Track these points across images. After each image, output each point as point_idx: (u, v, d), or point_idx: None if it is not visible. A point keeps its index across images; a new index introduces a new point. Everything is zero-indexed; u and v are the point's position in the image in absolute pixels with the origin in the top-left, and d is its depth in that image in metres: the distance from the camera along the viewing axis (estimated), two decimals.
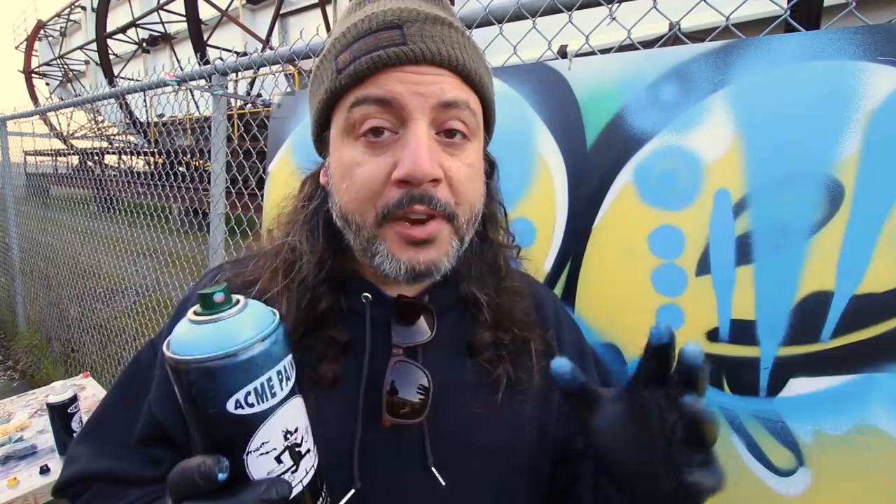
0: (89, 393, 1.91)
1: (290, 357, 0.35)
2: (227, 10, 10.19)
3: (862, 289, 0.60)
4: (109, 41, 12.08)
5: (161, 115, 8.91)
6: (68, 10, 15.95)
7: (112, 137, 10.62)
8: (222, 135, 1.67)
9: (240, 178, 1.74)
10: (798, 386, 0.64)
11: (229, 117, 1.82)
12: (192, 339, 0.31)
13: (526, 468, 0.55)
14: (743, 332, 0.68)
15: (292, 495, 0.33)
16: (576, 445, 0.57)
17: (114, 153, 8.81)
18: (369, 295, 0.51)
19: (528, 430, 0.55)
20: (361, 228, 0.46)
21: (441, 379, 0.50)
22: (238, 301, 0.33)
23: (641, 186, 0.76)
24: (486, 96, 0.50)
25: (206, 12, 9.82)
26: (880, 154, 0.59)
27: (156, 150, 5.27)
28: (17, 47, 17.33)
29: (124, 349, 3.08)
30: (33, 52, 17.06)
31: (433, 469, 0.49)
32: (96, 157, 6.95)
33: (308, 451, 0.35)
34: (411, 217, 0.44)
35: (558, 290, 0.84)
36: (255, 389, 0.31)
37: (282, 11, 9.60)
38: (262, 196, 1.34)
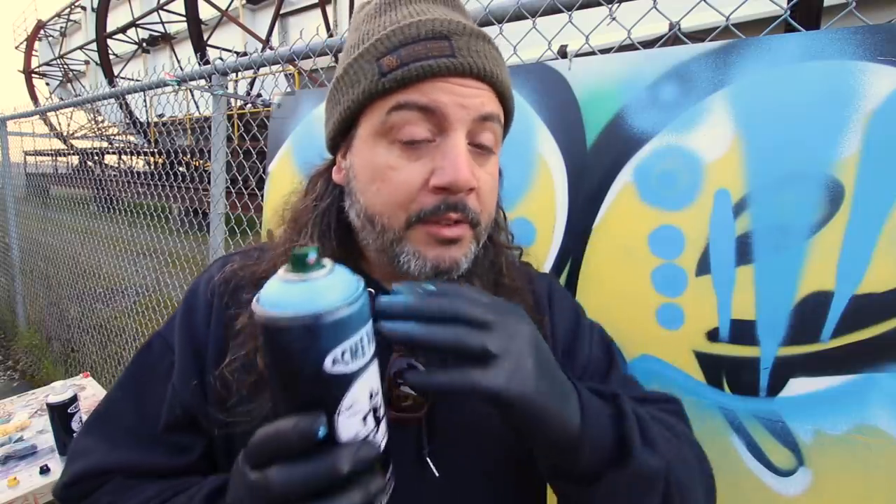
0: (89, 393, 1.91)
1: (371, 321, 0.35)
2: (227, 10, 10.18)
3: (862, 289, 0.60)
4: (109, 41, 12.07)
5: (161, 115, 8.91)
6: (68, 10, 15.94)
7: (112, 137, 10.62)
8: (222, 135, 1.67)
9: (240, 178, 1.74)
10: (798, 386, 0.64)
11: (229, 117, 1.82)
12: (288, 297, 0.31)
13: (523, 461, 0.55)
14: (743, 332, 0.68)
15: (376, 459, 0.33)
16: None
17: (114, 153, 8.81)
18: (373, 290, 0.52)
19: None
20: (387, 230, 0.47)
21: None
22: (326, 264, 0.34)
23: (641, 186, 0.76)
24: (510, 109, 0.53)
25: (206, 12, 9.81)
26: (880, 154, 0.59)
27: (156, 150, 5.27)
28: (17, 47, 17.33)
29: (124, 349, 3.08)
30: (33, 52, 17.05)
31: (427, 459, 0.50)
32: (96, 157, 6.95)
33: (384, 416, 0.35)
34: (442, 222, 0.46)
35: None
36: (351, 347, 0.32)
37: (282, 11, 9.59)
38: (262, 196, 1.34)
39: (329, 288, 0.32)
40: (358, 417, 0.33)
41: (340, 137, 0.52)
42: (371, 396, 0.34)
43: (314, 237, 0.52)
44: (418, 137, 0.45)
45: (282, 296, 0.32)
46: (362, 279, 0.36)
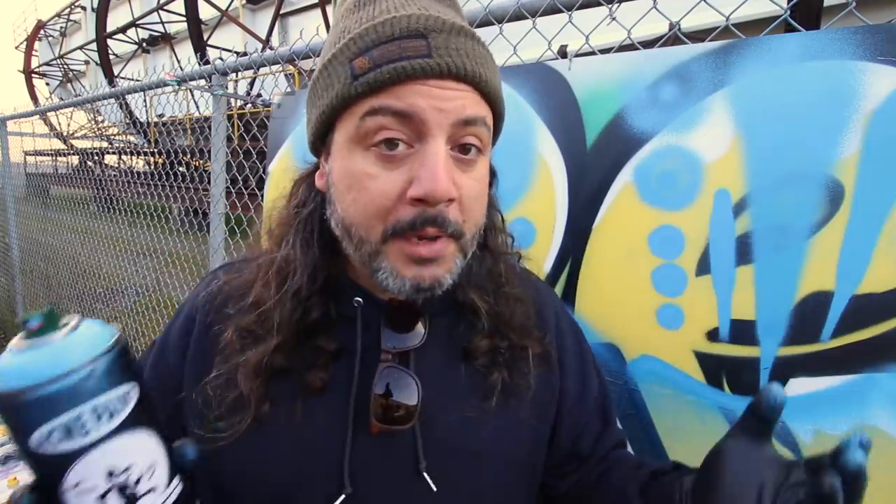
0: None
1: (120, 389, 0.32)
2: (227, 10, 10.18)
3: (862, 289, 0.60)
4: (109, 41, 12.07)
5: (161, 115, 8.91)
6: (68, 10, 15.94)
7: (112, 137, 10.62)
8: (222, 135, 1.67)
9: (240, 178, 1.74)
10: (798, 386, 0.64)
11: (229, 117, 1.82)
12: (5, 367, 0.30)
13: (522, 473, 0.55)
14: (743, 332, 0.68)
15: None
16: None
17: (114, 153, 8.82)
18: (361, 299, 0.51)
19: (524, 434, 0.55)
20: (364, 243, 0.45)
21: (433, 383, 0.50)
22: (63, 327, 0.32)
23: (641, 186, 0.76)
24: (500, 112, 0.49)
25: (206, 12, 9.81)
26: (880, 154, 0.59)
27: (156, 150, 5.27)
28: (17, 47, 17.33)
29: None
30: (33, 52, 17.05)
31: (425, 474, 0.49)
32: (96, 157, 6.95)
33: (151, 490, 0.33)
34: (419, 236, 0.43)
35: (558, 290, 0.84)
36: (64, 426, 0.30)
37: (282, 11, 9.60)
38: (262, 196, 1.34)
39: (43, 360, 0.30)
40: (91, 496, 0.31)
41: (320, 141, 0.50)
42: (112, 475, 0.31)
43: (296, 246, 0.50)
44: (394, 144, 0.42)
45: (3, 365, 0.30)
46: (111, 343, 0.33)
